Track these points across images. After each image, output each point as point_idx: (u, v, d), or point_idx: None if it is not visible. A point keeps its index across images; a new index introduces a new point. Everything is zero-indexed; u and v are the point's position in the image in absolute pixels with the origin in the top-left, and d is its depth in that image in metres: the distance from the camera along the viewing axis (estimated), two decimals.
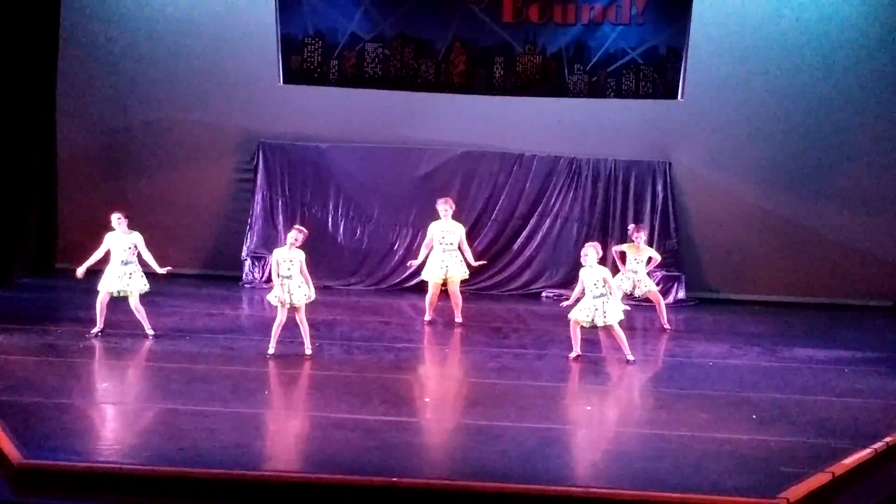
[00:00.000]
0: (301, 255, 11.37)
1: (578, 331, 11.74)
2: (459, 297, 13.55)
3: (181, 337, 12.00)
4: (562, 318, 14.33)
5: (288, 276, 11.28)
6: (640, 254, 13.43)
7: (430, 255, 13.42)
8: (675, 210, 15.68)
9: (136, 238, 11.97)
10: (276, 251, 11.55)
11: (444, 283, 13.44)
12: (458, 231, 13.48)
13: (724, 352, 12.63)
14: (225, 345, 11.84)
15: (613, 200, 15.93)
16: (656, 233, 15.54)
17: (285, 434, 8.95)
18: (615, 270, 13.83)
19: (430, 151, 16.00)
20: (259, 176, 15.87)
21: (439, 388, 10.83)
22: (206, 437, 8.62)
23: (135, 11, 15.93)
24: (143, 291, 11.96)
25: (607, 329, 11.74)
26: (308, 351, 11.37)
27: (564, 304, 12.04)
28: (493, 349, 12.52)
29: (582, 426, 9.64)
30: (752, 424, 9.61)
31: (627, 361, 11.64)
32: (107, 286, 11.88)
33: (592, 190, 15.94)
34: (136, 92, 15.99)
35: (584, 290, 11.64)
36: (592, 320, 11.57)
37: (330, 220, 15.87)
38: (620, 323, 11.77)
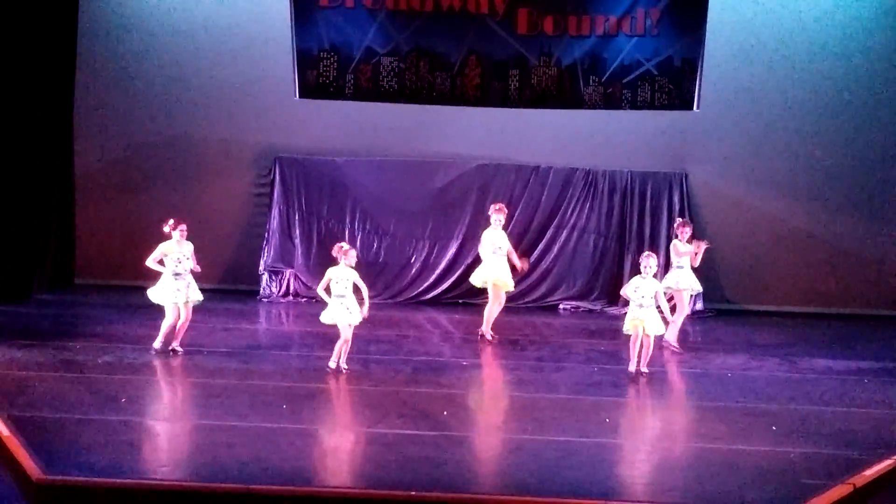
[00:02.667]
0: (354, 275, 11.26)
1: (638, 342, 11.54)
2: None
3: (199, 352, 12.02)
4: (579, 331, 14.38)
5: (342, 295, 11.24)
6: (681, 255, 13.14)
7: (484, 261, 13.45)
8: (692, 221, 15.61)
9: (190, 248, 11.93)
10: (329, 269, 11.40)
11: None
12: (506, 239, 13.52)
13: (743, 363, 12.58)
14: (243, 359, 11.85)
15: (630, 212, 15.92)
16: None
17: (303, 449, 8.95)
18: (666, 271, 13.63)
19: (446, 164, 16.02)
20: (276, 190, 15.92)
21: (457, 401, 10.81)
22: (224, 452, 8.63)
23: (151, 28, 16.02)
24: (198, 302, 11.95)
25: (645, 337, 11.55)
26: (333, 365, 11.37)
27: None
28: (510, 362, 12.50)
29: (600, 438, 9.60)
30: (771, 436, 9.57)
31: (641, 372, 11.54)
32: (170, 298, 11.74)
33: (609, 202, 15.94)
34: (153, 108, 16.07)
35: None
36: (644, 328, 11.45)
37: (346, 233, 15.88)
38: (656, 338, 11.71)
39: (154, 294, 11.88)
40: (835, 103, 15.92)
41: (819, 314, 15.76)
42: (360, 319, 11.29)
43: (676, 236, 13.24)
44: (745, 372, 12.16)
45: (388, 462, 8.53)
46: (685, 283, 12.91)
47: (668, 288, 12.69)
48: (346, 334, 11.24)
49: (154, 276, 11.95)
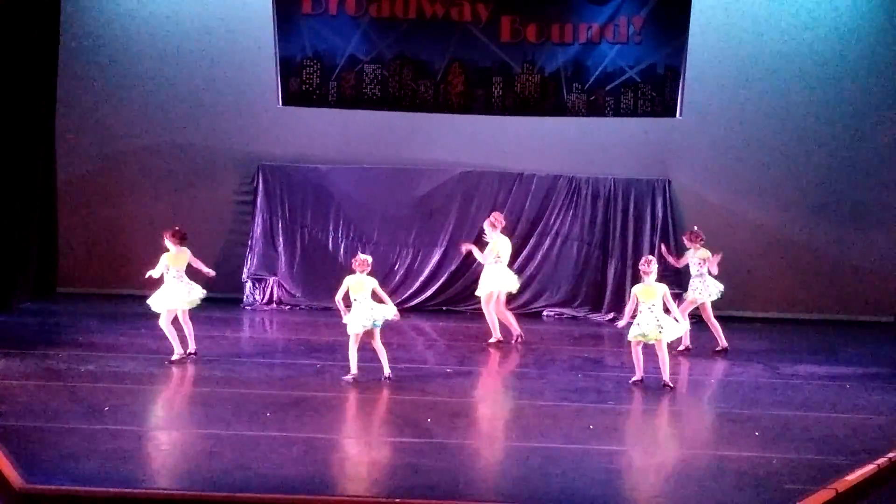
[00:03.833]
0: (373, 283, 11.35)
1: (640, 351, 11.47)
2: (509, 313, 13.72)
3: (182, 360, 11.97)
4: (563, 338, 14.39)
5: (356, 300, 11.30)
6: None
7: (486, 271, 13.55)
8: (675, 228, 15.68)
9: (188, 254, 12.06)
10: (347, 278, 11.47)
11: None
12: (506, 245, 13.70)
13: (726, 369, 12.63)
14: (226, 367, 11.83)
15: (613, 219, 15.93)
16: (656, 251, 15.55)
17: (287, 456, 8.93)
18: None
19: (430, 172, 16.01)
20: (259, 198, 15.88)
21: (440, 408, 10.80)
22: (208, 460, 8.61)
23: (133, 36, 15.96)
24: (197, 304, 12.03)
25: (654, 345, 11.48)
26: (387, 372, 11.38)
27: (619, 323, 11.97)
28: (494, 369, 12.50)
29: (584, 445, 9.62)
30: (754, 441, 9.60)
31: (664, 385, 11.38)
32: (168, 304, 11.82)
33: (592, 209, 15.94)
34: (136, 116, 16.01)
35: (637, 306, 11.43)
36: (646, 334, 11.34)
37: (330, 241, 15.87)
38: (670, 344, 11.66)
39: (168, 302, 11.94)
40: (818, 110, 15.97)
41: (802, 320, 15.81)
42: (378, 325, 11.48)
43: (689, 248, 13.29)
44: (729, 378, 12.20)
45: (372, 469, 8.52)
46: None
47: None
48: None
49: (153, 285, 11.97)
